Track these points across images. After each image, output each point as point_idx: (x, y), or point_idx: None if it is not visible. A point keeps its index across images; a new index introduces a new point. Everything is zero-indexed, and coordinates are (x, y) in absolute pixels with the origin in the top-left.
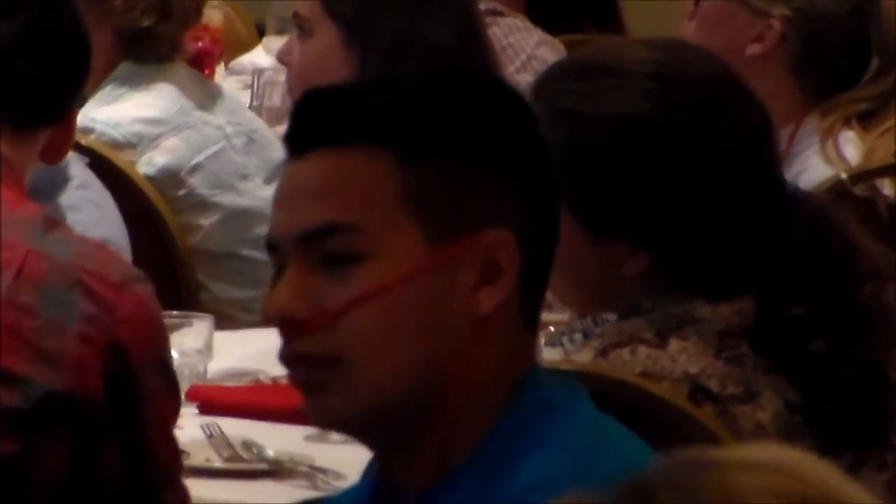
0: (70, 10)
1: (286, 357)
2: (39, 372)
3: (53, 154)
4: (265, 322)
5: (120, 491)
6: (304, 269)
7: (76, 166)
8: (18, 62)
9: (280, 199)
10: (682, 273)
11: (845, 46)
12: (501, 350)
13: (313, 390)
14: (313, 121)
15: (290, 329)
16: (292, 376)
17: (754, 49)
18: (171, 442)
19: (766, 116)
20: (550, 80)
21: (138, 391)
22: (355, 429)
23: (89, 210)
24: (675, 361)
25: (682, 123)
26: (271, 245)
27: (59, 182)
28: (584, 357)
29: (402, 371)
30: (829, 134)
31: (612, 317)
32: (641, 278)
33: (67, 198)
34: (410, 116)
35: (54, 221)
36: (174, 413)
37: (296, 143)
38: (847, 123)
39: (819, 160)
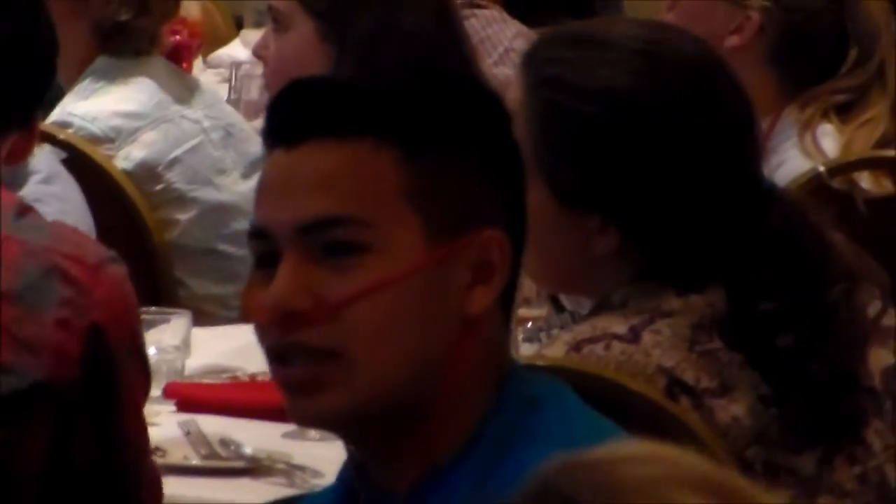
0: (46, 18)
1: (281, 350)
2: (20, 360)
3: (17, 157)
4: (258, 314)
5: (92, 473)
6: (301, 260)
7: (41, 160)
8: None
9: (273, 189)
10: (652, 258)
11: (823, 38)
12: (486, 346)
13: (307, 386)
14: (311, 110)
15: (289, 321)
16: (283, 372)
17: (733, 40)
18: (142, 423)
19: (749, 107)
20: (539, 47)
21: (114, 374)
22: (345, 426)
23: (53, 203)
24: (649, 356)
25: (664, 102)
26: (259, 234)
27: (22, 175)
28: (555, 351)
29: (397, 366)
30: (807, 126)
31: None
32: (612, 261)
33: (30, 191)
34: (415, 113)
35: (27, 207)
36: (145, 394)
37: (289, 132)
38: (825, 116)
39: (797, 153)
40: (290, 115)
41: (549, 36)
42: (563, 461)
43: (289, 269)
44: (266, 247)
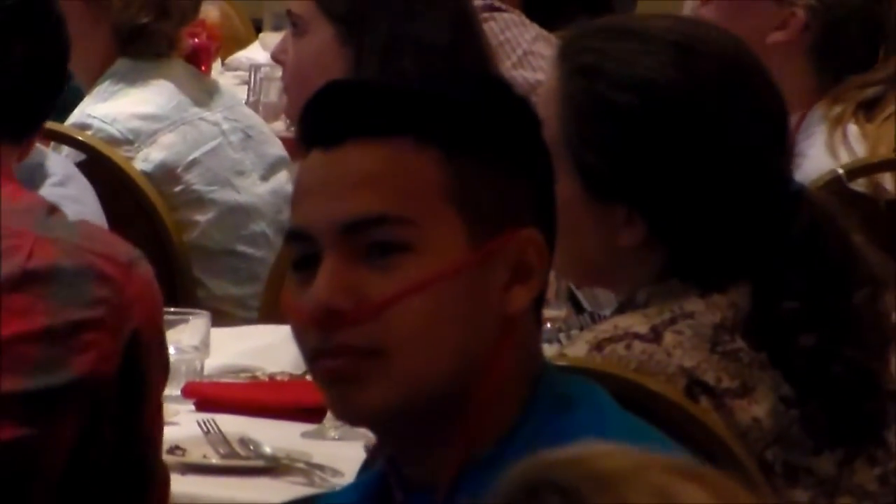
0: (64, 31)
1: (323, 349)
2: (55, 357)
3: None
4: (298, 316)
5: (111, 469)
6: (344, 259)
7: (56, 162)
8: (23, 79)
9: (313, 189)
10: (677, 253)
11: (863, 34)
12: (522, 345)
13: (348, 382)
14: (352, 110)
15: (332, 321)
16: (325, 368)
17: (777, 36)
18: (161, 420)
19: (782, 106)
20: (576, 37)
21: (144, 371)
22: (385, 423)
23: (68, 206)
24: (670, 356)
25: (697, 96)
26: (299, 235)
27: (37, 179)
28: (577, 350)
29: (439, 365)
30: (837, 123)
31: (607, 313)
32: (637, 255)
33: (45, 194)
34: (453, 113)
35: (54, 207)
36: (162, 391)
37: (330, 132)
38: (854, 115)
39: (821, 150)
40: (330, 115)
41: (586, 27)
42: (546, 458)
43: (330, 269)
44: (306, 249)
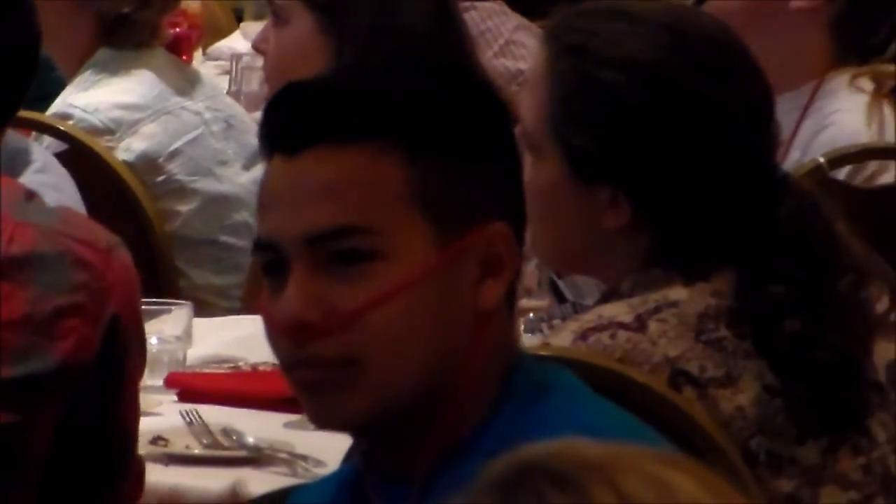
0: (35, 18)
1: (296, 362)
2: (36, 344)
3: None
4: (271, 326)
5: (87, 459)
6: (311, 271)
7: (36, 150)
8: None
9: (278, 199)
10: (661, 238)
11: (886, 12)
12: (496, 338)
13: (324, 392)
14: (309, 117)
15: (303, 333)
16: (300, 378)
17: (800, 3)
18: (137, 411)
19: (768, 93)
20: (564, 18)
21: (122, 357)
22: (362, 428)
23: (49, 193)
24: (654, 345)
25: (686, 77)
26: (266, 246)
27: (19, 165)
28: (562, 340)
29: (415, 368)
30: (878, 97)
31: (589, 304)
32: (621, 238)
33: (26, 181)
34: (415, 114)
35: (32, 193)
36: (140, 378)
37: (288, 140)
38: (887, 96)
39: (848, 117)
40: (289, 122)
41: (574, 9)
42: (532, 449)
43: (298, 281)
44: (274, 257)
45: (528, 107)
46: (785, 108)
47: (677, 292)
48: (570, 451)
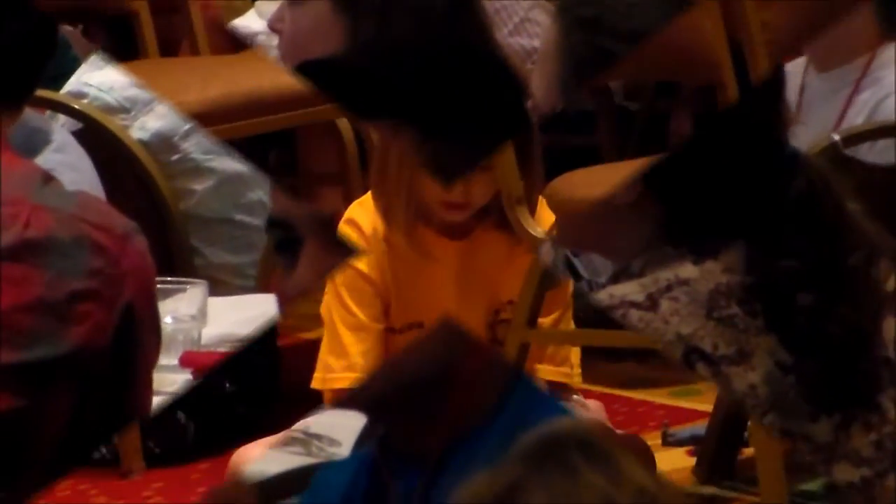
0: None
1: None
2: (50, 328)
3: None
4: None
5: (98, 438)
6: None
7: (55, 129)
8: (16, 46)
9: None
10: (671, 213)
11: None
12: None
13: None
14: (323, 97)
15: None
16: None
17: None
18: (150, 397)
19: (780, 70)
20: None
21: (136, 346)
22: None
23: (66, 173)
24: (667, 323)
25: None
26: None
27: (39, 144)
28: None
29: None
30: None
31: (604, 280)
32: (631, 214)
33: (44, 160)
34: (430, 93)
35: (49, 176)
36: (153, 367)
37: None
38: None
39: None
40: None
41: None
42: (556, 424)
43: None
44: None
45: (540, 79)
46: (835, 85)
47: (688, 270)
48: (598, 424)
